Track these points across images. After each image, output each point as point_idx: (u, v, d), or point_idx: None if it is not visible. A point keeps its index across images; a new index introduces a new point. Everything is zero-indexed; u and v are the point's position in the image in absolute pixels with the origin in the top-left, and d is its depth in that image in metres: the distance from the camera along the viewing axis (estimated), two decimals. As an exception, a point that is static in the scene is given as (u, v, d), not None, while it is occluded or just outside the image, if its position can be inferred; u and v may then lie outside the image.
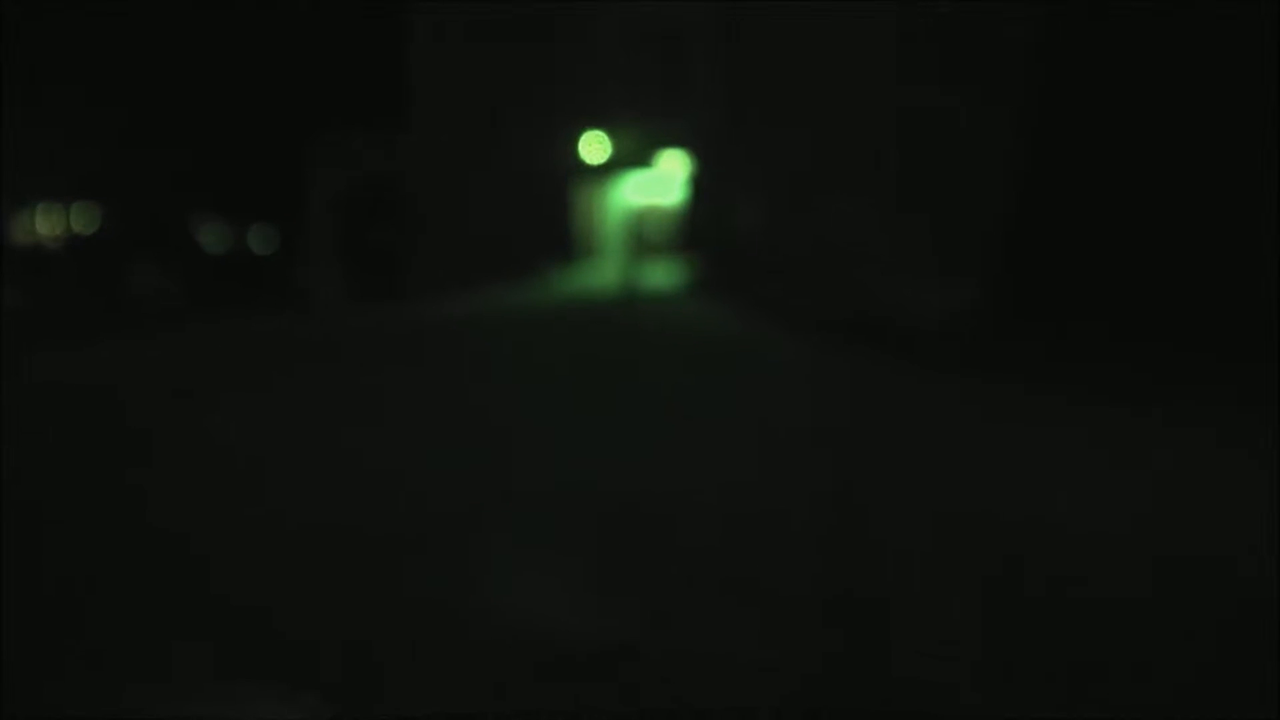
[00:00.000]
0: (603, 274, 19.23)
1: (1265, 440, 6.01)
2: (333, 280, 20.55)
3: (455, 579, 3.80)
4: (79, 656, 3.14)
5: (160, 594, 3.67)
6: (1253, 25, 10.52)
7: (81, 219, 30.10)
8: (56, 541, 4.25)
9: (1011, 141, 12.90)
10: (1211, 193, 11.20)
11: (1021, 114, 12.69)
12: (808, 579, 3.80)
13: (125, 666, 3.07)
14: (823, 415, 7.13)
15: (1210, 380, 8.34)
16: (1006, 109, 12.88)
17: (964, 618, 3.42)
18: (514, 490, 5.06)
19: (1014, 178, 12.95)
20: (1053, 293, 12.17)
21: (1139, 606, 3.60)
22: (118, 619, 3.43)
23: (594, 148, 19.87)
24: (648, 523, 4.49)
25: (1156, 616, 3.47)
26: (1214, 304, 10.75)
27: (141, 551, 4.13)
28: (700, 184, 19.28)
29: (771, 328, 12.95)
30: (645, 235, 20.43)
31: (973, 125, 13.44)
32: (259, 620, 3.38)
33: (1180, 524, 4.70)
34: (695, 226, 19.16)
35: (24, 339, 12.10)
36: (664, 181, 20.31)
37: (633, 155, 20.05)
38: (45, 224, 30.45)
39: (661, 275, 18.90)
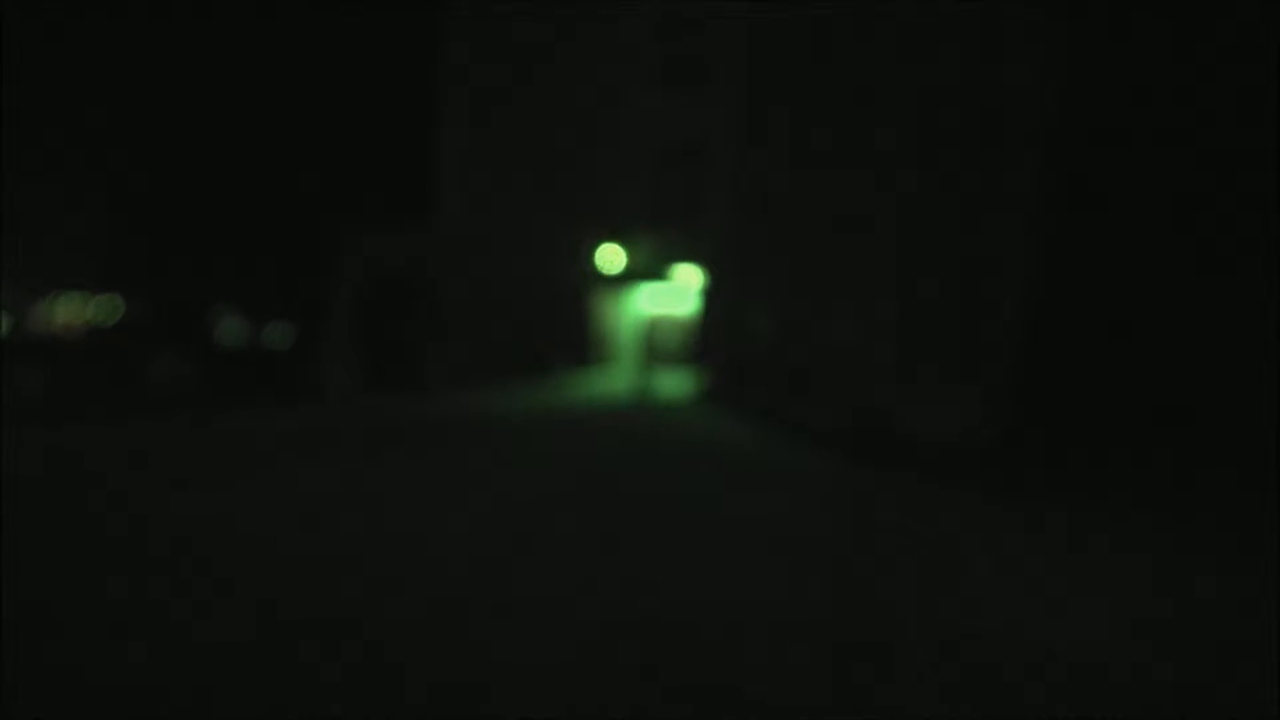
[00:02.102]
0: (615, 379, 19.44)
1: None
2: (348, 373, 20.79)
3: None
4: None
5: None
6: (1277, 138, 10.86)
7: (103, 310, 30.71)
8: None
9: (1028, 257, 13.20)
10: (1236, 311, 11.36)
11: (1037, 228, 13.02)
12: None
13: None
14: (824, 530, 7.15)
15: (1234, 505, 8.35)
16: (1022, 222, 13.22)
17: None
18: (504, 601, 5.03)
19: (1030, 295, 13.19)
20: (1070, 412, 12.24)
21: None
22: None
23: (610, 258, 20.40)
24: (646, 654, 4.46)
25: None
26: (1237, 425, 10.78)
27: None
28: (712, 296, 19.69)
29: (779, 439, 13.03)
30: (658, 344, 20.75)
31: (988, 242, 13.78)
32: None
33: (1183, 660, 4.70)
34: (707, 337, 19.47)
35: (31, 423, 12.21)
36: (677, 293, 20.76)
37: (648, 267, 20.56)
38: (66, 313, 31.02)
39: (673, 383, 19.10)
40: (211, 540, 5.44)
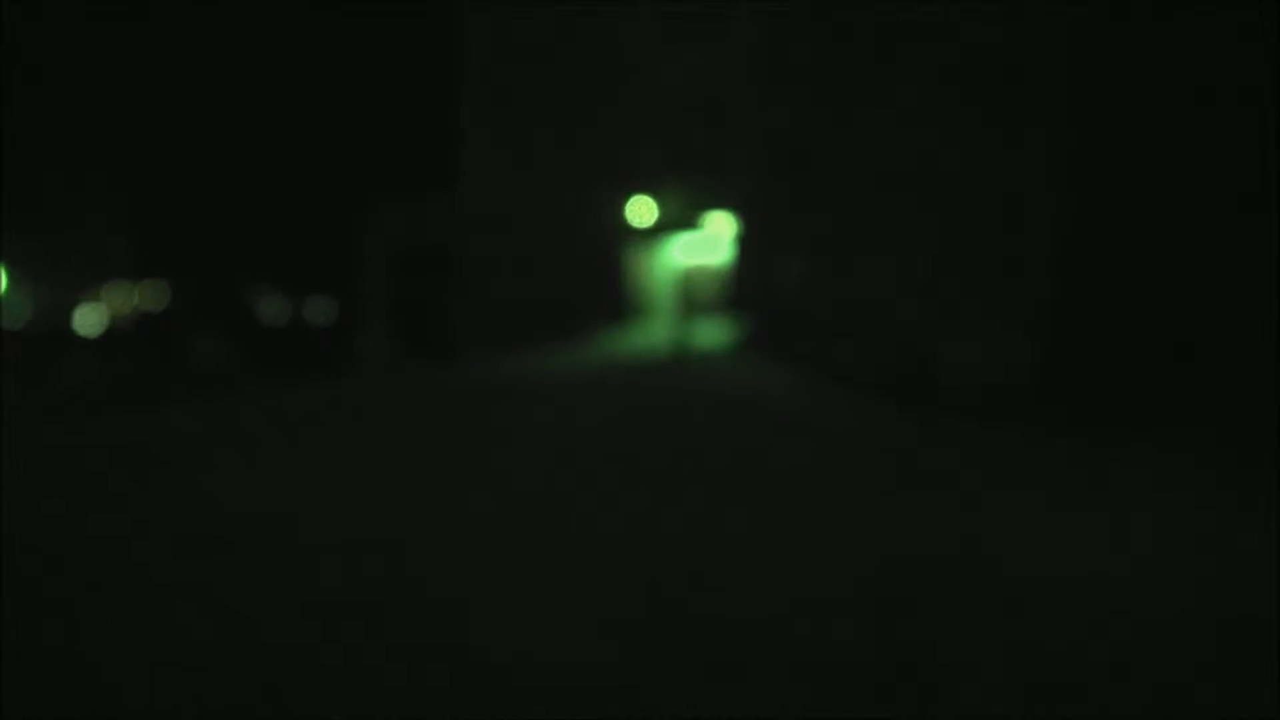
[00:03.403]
0: (651, 333, 19.31)
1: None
2: (385, 343, 20.91)
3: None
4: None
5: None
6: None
7: (149, 296, 31.22)
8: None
9: (1062, 196, 12.81)
10: (1267, 250, 10.97)
11: (1071, 170, 12.61)
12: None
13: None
14: (878, 483, 6.97)
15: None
16: (1054, 165, 12.82)
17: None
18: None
19: (1064, 234, 12.83)
20: (1106, 351, 11.94)
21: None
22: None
23: (641, 211, 20.15)
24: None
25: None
26: (1271, 363, 10.44)
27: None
28: (746, 243, 19.38)
29: (822, 388, 12.83)
30: (693, 295, 20.53)
31: (1021, 180, 13.39)
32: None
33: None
34: (742, 285, 19.20)
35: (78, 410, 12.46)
36: (710, 242, 20.48)
37: (679, 218, 20.27)
38: (114, 302, 31.62)
39: (710, 334, 18.92)
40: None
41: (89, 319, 30.32)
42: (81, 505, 5.91)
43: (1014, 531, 5.39)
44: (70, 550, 4.87)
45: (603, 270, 20.54)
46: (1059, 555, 4.87)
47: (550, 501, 6.01)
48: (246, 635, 3.67)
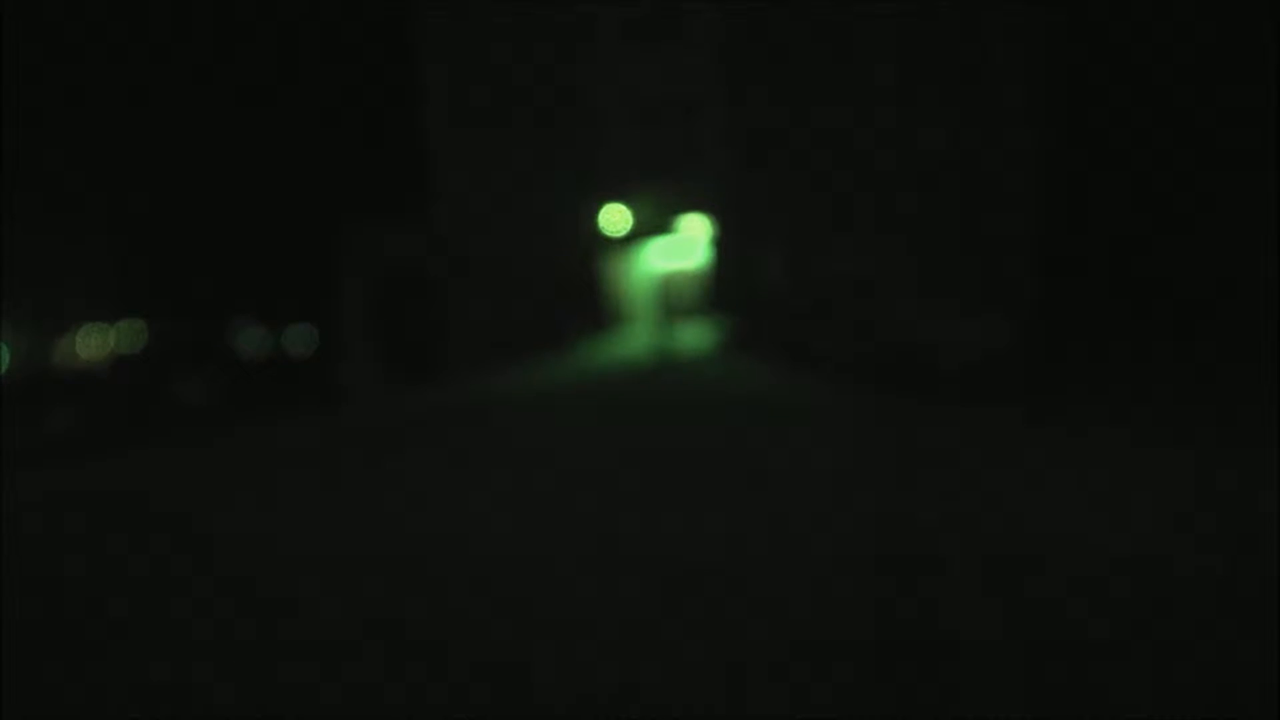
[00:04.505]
0: (634, 341, 19.33)
1: None
2: (368, 370, 20.81)
3: None
4: None
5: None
6: (1262, 63, 10.61)
7: (124, 337, 30.92)
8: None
9: (1039, 180, 12.96)
10: (1239, 229, 11.16)
11: (1046, 153, 12.76)
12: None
13: None
14: (877, 469, 7.02)
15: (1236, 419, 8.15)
16: (1029, 148, 12.95)
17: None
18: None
19: (1042, 217, 12.98)
20: (1085, 330, 12.08)
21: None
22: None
23: (615, 220, 20.16)
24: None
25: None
26: (1243, 336, 10.61)
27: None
28: (723, 243, 19.44)
29: (811, 379, 12.88)
30: (673, 299, 20.56)
31: (996, 164, 13.51)
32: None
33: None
34: (722, 285, 19.26)
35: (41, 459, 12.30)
36: (687, 245, 20.51)
37: (653, 223, 20.29)
38: (89, 345, 31.28)
39: (693, 337, 18.96)
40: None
41: (67, 363, 30.01)
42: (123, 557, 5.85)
43: (1008, 500, 5.50)
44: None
45: (582, 280, 20.55)
46: (1044, 519, 4.97)
47: (599, 511, 6.02)
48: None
